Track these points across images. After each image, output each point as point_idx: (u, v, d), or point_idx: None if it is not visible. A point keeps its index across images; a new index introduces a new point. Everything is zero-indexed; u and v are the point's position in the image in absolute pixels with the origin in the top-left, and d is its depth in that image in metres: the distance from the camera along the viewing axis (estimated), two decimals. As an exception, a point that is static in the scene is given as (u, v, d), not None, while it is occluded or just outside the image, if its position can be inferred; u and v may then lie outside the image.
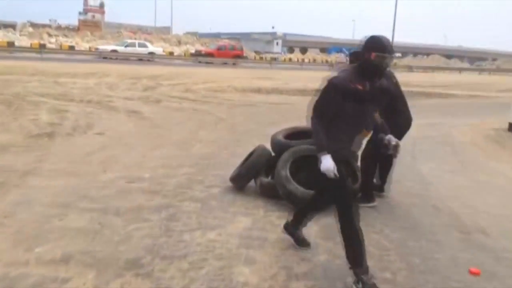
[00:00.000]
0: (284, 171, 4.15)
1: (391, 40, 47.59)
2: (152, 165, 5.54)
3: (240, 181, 4.61)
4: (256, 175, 4.53)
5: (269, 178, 4.60)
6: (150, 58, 32.92)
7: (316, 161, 4.20)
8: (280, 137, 4.76)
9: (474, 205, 4.59)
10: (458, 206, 4.50)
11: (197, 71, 24.91)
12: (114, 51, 32.68)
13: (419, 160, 6.62)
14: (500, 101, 18.91)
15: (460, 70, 50.95)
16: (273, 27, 78.86)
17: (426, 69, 49.30)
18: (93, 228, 3.48)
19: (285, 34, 72.35)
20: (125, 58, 31.37)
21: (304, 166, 4.39)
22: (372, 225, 3.88)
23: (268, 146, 4.84)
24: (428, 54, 75.43)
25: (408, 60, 64.04)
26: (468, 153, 7.38)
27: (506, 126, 9.39)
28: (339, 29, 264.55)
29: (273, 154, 4.67)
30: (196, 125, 8.85)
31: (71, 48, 35.84)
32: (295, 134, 4.96)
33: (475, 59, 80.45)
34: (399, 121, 4.10)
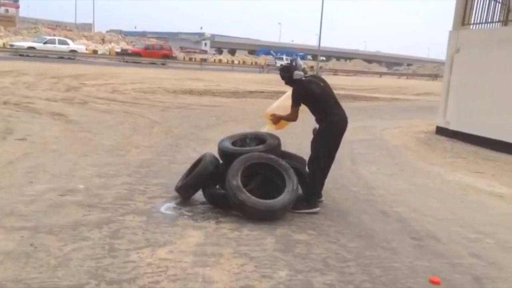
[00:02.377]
0: (235, 180, 3.93)
1: (316, 44, 48.96)
2: (86, 174, 5.07)
3: (187, 191, 4.31)
4: (204, 185, 4.27)
5: (217, 187, 4.37)
6: (72, 56, 31.12)
7: (266, 168, 4.15)
8: (228, 144, 4.54)
9: (419, 209, 4.67)
10: (405, 211, 4.56)
11: (124, 71, 23.91)
12: (32, 48, 30.46)
13: (359, 164, 6.71)
14: (419, 104, 20.15)
15: (381, 74, 53.65)
16: (201, 28, 78.41)
17: (349, 72, 51.36)
18: (25, 250, 3.03)
19: (213, 35, 72.02)
20: (44, 56, 29.37)
21: (255, 174, 4.21)
22: (327, 234, 3.78)
23: (211, 151, 4.61)
24: (350, 59, 78.84)
25: (333, 63, 66.38)
26: (403, 156, 7.61)
27: (434, 128, 9.88)
28: (266, 32, 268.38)
29: (221, 161, 4.44)
30: (129, 129, 8.36)
31: (-18, 43, 32.95)
32: (241, 140, 4.78)
33: (392, 64, 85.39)
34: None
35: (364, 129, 10.35)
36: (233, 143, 4.61)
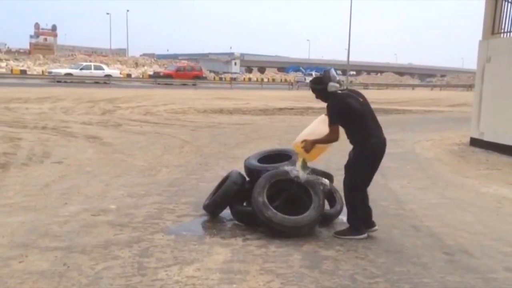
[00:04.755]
0: (261, 197, 3.96)
1: (346, 59, 48.86)
2: (118, 195, 5.22)
3: (215, 209, 4.38)
4: (231, 202, 4.32)
5: (244, 204, 4.41)
6: (107, 80, 32.16)
7: (292, 185, 4.12)
8: (254, 161, 4.58)
9: (452, 223, 4.56)
10: (437, 225, 4.45)
11: (156, 93, 24.51)
12: (69, 74, 31.73)
13: (389, 178, 6.61)
14: (453, 115, 19.68)
15: (413, 86, 52.86)
16: (231, 48, 79.62)
17: (380, 86, 50.84)
18: (58, 270, 3.15)
19: (242, 54, 72.96)
20: (81, 81, 30.51)
21: (281, 190, 4.23)
22: (355, 250, 3.74)
23: (239, 169, 4.66)
24: (381, 72, 78.06)
25: (363, 77, 65.91)
26: (435, 169, 7.45)
27: (468, 140, 9.63)
28: (295, 49, 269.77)
29: (247, 179, 4.48)
30: (160, 149, 8.55)
31: (23, 72, 34.55)
32: (268, 157, 4.82)
33: (425, 76, 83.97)
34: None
35: (395, 142, 10.17)
36: (259, 160, 4.65)
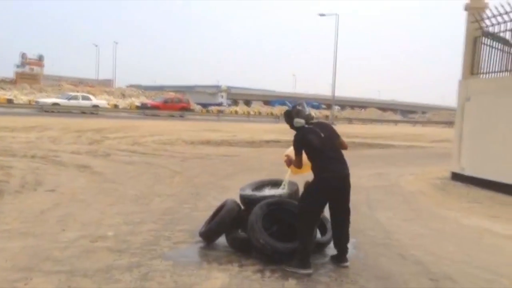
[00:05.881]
0: (256, 224, 4.15)
1: (330, 94, 49.79)
2: (113, 222, 5.34)
3: (211, 236, 4.55)
4: (227, 230, 4.50)
5: (239, 231, 4.58)
6: (94, 111, 32.26)
7: (285, 213, 4.33)
8: (249, 191, 4.80)
9: (436, 252, 4.78)
10: (422, 254, 4.67)
11: (144, 124, 24.66)
12: (56, 104, 31.77)
13: (375, 210, 6.85)
14: (434, 151, 20.17)
15: (396, 122, 54.02)
16: (218, 81, 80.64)
17: (364, 121, 51.85)
18: (63, 292, 3.27)
19: (229, 87, 73.92)
20: (67, 111, 30.55)
21: (275, 218, 4.42)
22: (346, 276, 3.93)
23: (231, 198, 4.86)
24: (365, 107, 79.65)
25: (347, 112, 67.16)
26: (419, 202, 7.73)
27: (449, 175, 9.98)
28: (280, 83, 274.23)
29: (242, 207, 4.68)
30: (151, 179, 8.68)
31: (9, 101, 34.47)
32: (261, 187, 5.03)
33: (407, 112, 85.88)
34: None
35: (380, 176, 10.50)
36: (254, 190, 4.87)
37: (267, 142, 19.32)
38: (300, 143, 4.18)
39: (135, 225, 5.24)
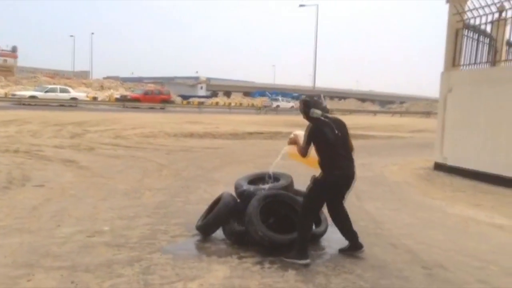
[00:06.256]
0: (253, 217, 4.23)
1: (309, 84, 50.06)
2: (108, 217, 5.34)
3: (208, 229, 4.61)
4: (224, 223, 4.56)
5: (236, 224, 4.65)
6: (73, 103, 31.74)
7: (282, 205, 4.43)
8: (244, 183, 4.86)
9: (425, 241, 4.95)
10: (413, 243, 4.83)
11: (125, 117, 24.40)
12: (34, 97, 31.12)
13: (363, 200, 7.00)
14: (414, 141, 20.58)
15: (375, 112, 54.68)
16: (197, 72, 79.98)
17: (344, 111, 52.32)
18: (68, 287, 3.29)
19: (209, 79, 73.47)
20: (45, 104, 29.97)
21: (272, 210, 4.51)
22: (343, 265, 4.05)
23: (222, 191, 4.95)
24: (344, 98, 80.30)
25: (327, 103, 67.57)
26: (405, 192, 7.93)
27: (431, 164, 10.24)
28: (260, 74, 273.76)
29: (238, 200, 4.75)
30: (139, 173, 8.65)
31: (-16, 93, 33.62)
32: (256, 180, 5.10)
33: (385, 102, 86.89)
34: None
35: (364, 166, 10.65)
36: (249, 182, 4.93)
37: (250, 133, 19.37)
38: (314, 134, 4.14)
39: (130, 220, 5.25)
